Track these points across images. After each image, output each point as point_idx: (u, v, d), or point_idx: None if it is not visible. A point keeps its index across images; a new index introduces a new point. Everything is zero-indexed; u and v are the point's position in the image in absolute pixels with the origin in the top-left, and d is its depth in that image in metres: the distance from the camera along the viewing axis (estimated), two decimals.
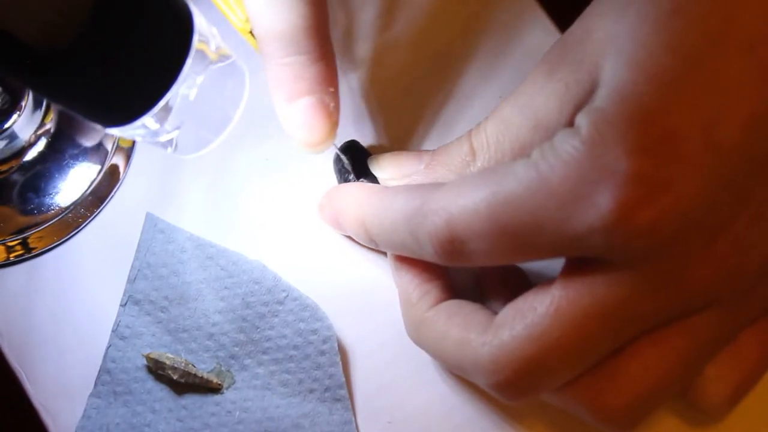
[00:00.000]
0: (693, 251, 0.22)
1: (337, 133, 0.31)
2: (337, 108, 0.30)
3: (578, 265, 0.24)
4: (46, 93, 0.27)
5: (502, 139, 0.27)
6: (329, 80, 0.29)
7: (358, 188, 0.31)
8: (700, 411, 0.28)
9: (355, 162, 0.33)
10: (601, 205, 0.21)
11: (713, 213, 0.22)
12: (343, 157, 0.34)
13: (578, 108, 0.24)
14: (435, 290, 0.29)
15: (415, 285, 0.29)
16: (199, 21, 0.26)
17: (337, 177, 0.34)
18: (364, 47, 0.39)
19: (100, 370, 0.34)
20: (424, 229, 0.25)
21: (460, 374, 0.28)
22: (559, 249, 0.23)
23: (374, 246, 0.30)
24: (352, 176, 0.33)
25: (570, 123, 0.25)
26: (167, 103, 0.26)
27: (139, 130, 0.27)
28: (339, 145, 0.34)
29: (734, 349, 0.26)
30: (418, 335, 0.29)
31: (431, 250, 0.25)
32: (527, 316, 0.24)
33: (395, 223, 0.27)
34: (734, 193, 0.22)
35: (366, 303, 0.34)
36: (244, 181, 0.37)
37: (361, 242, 0.32)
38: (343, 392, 0.32)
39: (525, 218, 0.22)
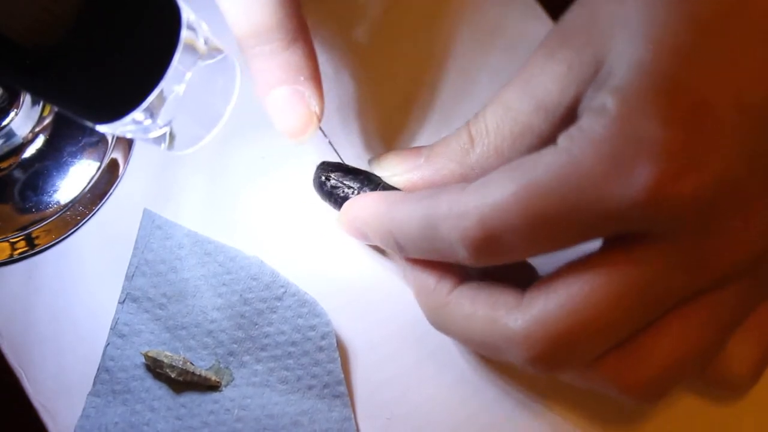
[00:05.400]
0: (729, 222, 0.22)
1: (318, 123, 0.30)
2: (315, 97, 0.30)
3: (614, 243, 0.23)
4: (34, 91, 0.27)
5: (502, 125, 0.27)
6: (299, 68, 0.29)
7: (377, 199, 0.30)
8: (723, 388, 0.27)
9: (343, 177, 0.33)
10: (641, 178, 0.21)
11: (748, 181, 0.22)
12: (326, 179, 0.33)
13: (581, 90, 0.24)
14: (451, 274, 0.28)
15: (429, 272, 0.29)
16: (188, 15, 0.26)
17: (327, 200, 0.33)
18: (356, 43, 0.38)
19: (98, 369, 0.34)
20: (456, 233, 0.25)
21: (488, 354, 0.27)
22: (598, 230, 0.23)
23: (404, 254, 0.29)
24: (347, 190, 0.32)
25: (572, 105, 0.25)
26: (157, 99, 0.26)
27: (129, 126, 0.26)
28: (315, 171, 0.33)
29: (754, 321, 0.26)
30: (442, 320, 0.28)
31: (465, 253, 0.25)
32: (561, 291, 0.24)
33: (423, 230, 0.27)
34: (764, 161, 0.22)
35: (365, 299, 0.34)
36: (242, 177, 0.37)
37: (390, 251, 0.31)
38: (342, 389, 0.32)
39: (561, 204, 0.22)
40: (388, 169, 0.31)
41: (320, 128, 0.32)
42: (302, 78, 0.29)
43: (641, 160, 0.21)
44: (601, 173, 0.21)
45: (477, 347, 0.27)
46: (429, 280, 0.29)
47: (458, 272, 0.29)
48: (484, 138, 0.28)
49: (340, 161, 0.34)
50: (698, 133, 0.21)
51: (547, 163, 0.23)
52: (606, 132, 0.22)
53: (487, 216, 0.24)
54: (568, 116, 0.25)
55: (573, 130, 0.23)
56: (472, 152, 0.28)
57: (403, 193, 0.30)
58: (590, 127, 0.22)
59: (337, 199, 0.32)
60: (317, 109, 0.30)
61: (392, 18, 0.39)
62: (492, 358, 0.27)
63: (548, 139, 0.27)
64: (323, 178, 0.33)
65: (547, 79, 0.25)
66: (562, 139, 0.23)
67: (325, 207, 0.33)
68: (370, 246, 0.35)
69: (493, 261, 0.25)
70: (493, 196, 0.23)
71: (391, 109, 0.37)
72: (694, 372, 0.25)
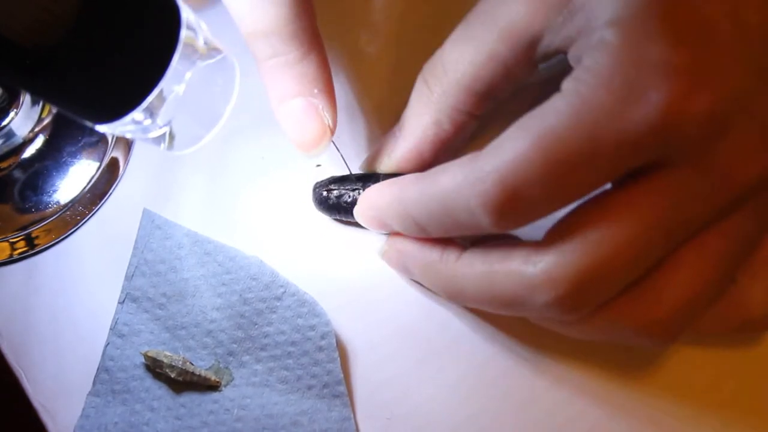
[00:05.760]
0: (744, 137, 0.22)
1: (331, 135, 0.30)
2: (328, 109, 0.29)
3: (630, 178, 0.23)
4: (34, 91, 0.27)
5: (461, 58, 0.27)
6: (313, 80, 0.29)
7: (391, 183, 0.29)
8: (743, 330, 0.26)
9: (342, 184, 0.33)
10: (655, 100, 0.21)
11: (758, 95, 0.22)
12: (328, 192, 0.33)
13: (549, 17, 0.24)
14: (453, 244, 0.28)
15: (431, 246, 0.29)
16: (187, 15, 0.26)
17: (336, 213, 0.33)
18: (354, 47, 0.38)
19: (98, 369, 0.34)
20: (475, 199, 0.24)
21: (508, 311, 0.26)
22: (618, 165, 0.22)
23: (425, 234, 0.29)
24: (352, 193, 0.32)
25: (538, 34, 0.25)
26: (157, 99, 0.26)
27: (129, 126, 0.26)
28: (313, 194, 0.34)
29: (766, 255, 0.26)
30: (455, 287, 0.28)
31: (487, 219, 0.24)
32: (577, 231, 0.23)
33: (442, 205, 0.26)
34: (765, 77, 0.22)
35: (365, 299, 0.34)
36: (242, 177, 0.37)
37: (410, 234, 0.30)
38: (342, 388, 0.32)
39: (580, 144, 0.22)
40: (377, 163, 0.31)
41: (332, 141, 0.31)
42: (316, 90, 0.29)
43: (652, 82, 0.21)
44: (614, 104, 0.21)
45: (496, 305, 0.27)
46: (433, 253, 0.29)
47: (460, 243, 0.29)
48: (440, 77, 0.27)
49: (347, 172, 0.34)
50: (704, 50, 0.21)
51: (558, 108, 0.22)
52: (612, 63, 0.22)
53: (506, 174, 0.23)
54: (533, 47, 0.25)
55: (577, 72, 0.23)
56: (431, 96, 0.28)
57: (415, 174, 0.29)
58: (595, 63, 0.22)
59: (346, 207, 0.32)
60: (330, 122, 0.30)
61: (390, 21, 0.39)
62: (513, 313, 0.26)
63: (512, 71, 0.26)
64: (324, 193, 0.33)
65: (513, 5, 0.25)
66: (568, 83, 0.23)
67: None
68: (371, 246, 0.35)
69: (516, 223, 0.24)
70: (508, 154, 0.23)
71: (389, 112, 0.37)
72: (709, 304, 0.25)
